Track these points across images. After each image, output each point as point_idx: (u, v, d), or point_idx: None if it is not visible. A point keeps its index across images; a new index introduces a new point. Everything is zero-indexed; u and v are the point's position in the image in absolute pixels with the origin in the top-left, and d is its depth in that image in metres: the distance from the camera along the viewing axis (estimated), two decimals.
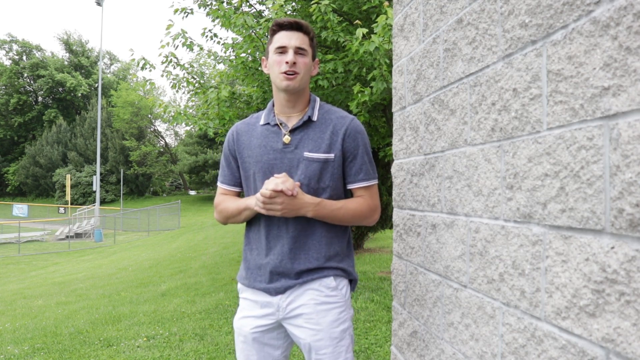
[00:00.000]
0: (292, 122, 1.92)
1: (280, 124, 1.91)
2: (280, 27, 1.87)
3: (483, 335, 1.48)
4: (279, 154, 1.87)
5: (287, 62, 1.82)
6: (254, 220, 1.97)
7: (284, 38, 1.85)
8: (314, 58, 1.95)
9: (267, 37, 6.56)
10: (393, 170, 2.24)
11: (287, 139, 1.88)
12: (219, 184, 2.07)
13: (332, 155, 1.87)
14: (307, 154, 1.86)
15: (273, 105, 1.97)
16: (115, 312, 6.29)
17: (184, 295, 6.97)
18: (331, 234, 1.91)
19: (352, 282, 2.02)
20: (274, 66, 1.86)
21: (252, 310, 1.95)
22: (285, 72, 1.83)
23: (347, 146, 1.89)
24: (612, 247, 0.93)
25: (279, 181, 1.76)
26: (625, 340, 0.90)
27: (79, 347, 4.72)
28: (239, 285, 2.04)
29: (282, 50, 1.85)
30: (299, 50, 1.85)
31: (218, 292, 6.90)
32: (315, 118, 1.91)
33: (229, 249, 12.27)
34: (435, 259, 1.84)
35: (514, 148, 1.29)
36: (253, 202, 1.84)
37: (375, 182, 1.97)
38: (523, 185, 1.25)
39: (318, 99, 1.99)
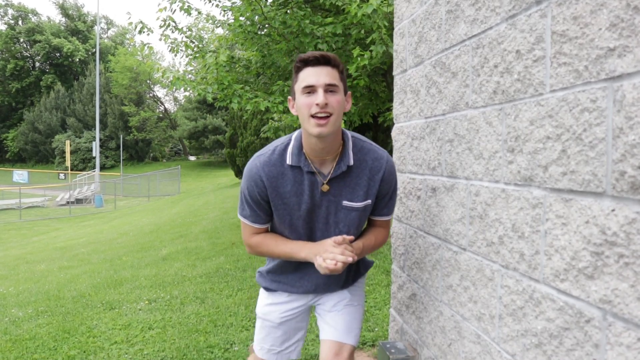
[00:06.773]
0: (326, 168, 1.77)
1: (316, 171, 1.76)
2: (306, 63, 1.66)
3: (481, 298, 1.50)
4: (317, 200, 1.77)
5: (317, 104, 1.61)
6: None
7: (311, 76, 1.63)
8: (345, 92, 1.73)
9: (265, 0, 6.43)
10: (393, 133, 2.23)
11: (325, 187, 1.76)
12: (245, 221, 1.88)
13: (369, 202, 1.79)
14: (346, 203, 1.77)
15: (300, 143, 1.76)
16: (117, 276, 6.35)
17: (184, 260, 7.03)
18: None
19: None
20: (303, 109, 1.64)
21: (280, 297, 2.02)
22: (316, 116, 1.62)
23: (383, 189, 1.80)
24: (613, 210, 0.93)
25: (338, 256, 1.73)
26: (623, 301, 0.91)
27: (81, 310, 4.79)
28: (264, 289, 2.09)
29: (310, 89, 1.63)
30: (329, 88, 1.63)
31: (218, 256, 6.96)
32: (351, 162, 1.76)
33: (229, 214, 12.32)
34: (435, 222, 1.85)
35: (516, 111, 1.28)
36: (312, 259, 1.77)
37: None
38: (524, 148, 1.24)
39: (350, 136, 1.80)
